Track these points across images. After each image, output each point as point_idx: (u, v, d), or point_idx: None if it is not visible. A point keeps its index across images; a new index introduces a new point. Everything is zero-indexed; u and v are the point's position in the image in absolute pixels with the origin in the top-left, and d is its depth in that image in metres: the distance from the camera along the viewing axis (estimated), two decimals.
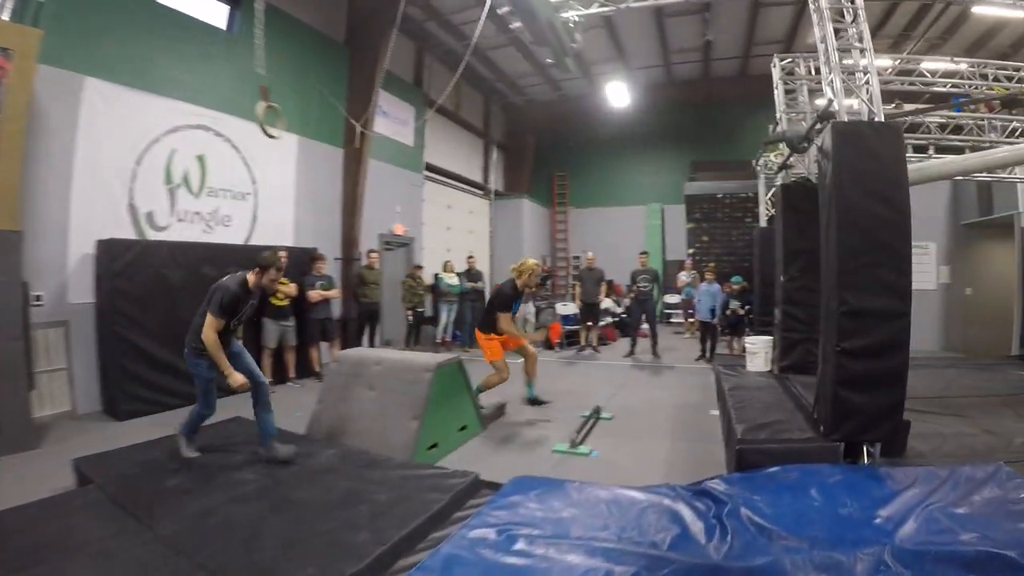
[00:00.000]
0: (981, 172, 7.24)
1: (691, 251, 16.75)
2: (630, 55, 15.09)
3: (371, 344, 10.32)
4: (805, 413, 5.24)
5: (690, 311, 14.03)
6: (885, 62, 7.99)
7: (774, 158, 8.69)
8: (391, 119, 12.47)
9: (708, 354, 10.78)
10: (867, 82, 4.59)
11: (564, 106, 18.09)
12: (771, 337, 7.62)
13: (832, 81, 4.62)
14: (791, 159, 7.18)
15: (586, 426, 6.20)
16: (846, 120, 4.57)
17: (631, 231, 17.76)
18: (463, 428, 5.88)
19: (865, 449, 4.44)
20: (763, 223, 11.22)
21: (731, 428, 5.02)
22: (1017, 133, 7.60)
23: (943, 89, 8.20)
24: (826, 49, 4.67)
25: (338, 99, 10.60)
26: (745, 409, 5.46)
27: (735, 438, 4.63)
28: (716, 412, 7.06)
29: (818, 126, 5.15)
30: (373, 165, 11.25)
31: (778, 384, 6.65)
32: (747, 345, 7.82)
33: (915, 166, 5.48)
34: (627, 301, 14.34)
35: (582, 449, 5.60)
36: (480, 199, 17.17)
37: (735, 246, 16.23)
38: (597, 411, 6.67)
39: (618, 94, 14.81)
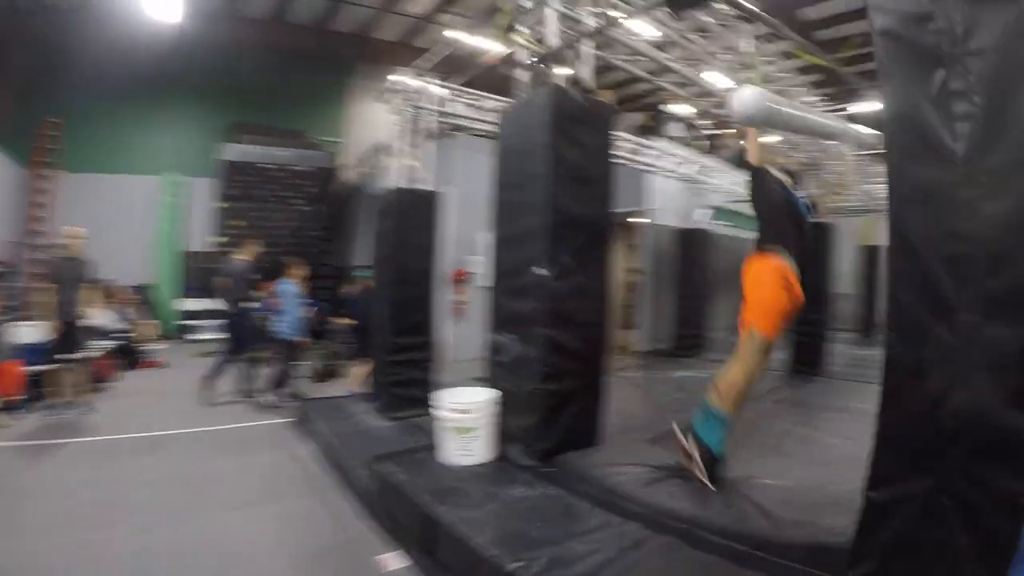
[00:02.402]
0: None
1: (222, 239, 11.74)
2: None
3: None
4: None
5: None
6: None
7: (523, 42, 4.61)
8: None
9: (287, 392, 6.64)
10: None
11: (75, 22, 11.52)
12: (494, 391, 3.90)
13: None
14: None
15: None
16: None
17: (141, 209, 12.69)
18: None
19: None
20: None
21: None
22: None
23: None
24: None
25: None
26: None
27: None
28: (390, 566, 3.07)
29: None
30: None
31: (563, 505, 3.05)
32: (447, 412, 3.77)
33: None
34: (133, 312, 9.75)
35: None
36: None
37: (279, 234, 11.94)
38: None
39: (164, 5, 9.28)
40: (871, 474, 2.30)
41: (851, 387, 6.99)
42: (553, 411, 3.53)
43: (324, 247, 12.38)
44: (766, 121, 3.18)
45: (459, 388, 3.94)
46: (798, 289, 3.03)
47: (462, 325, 9.31)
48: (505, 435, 3.71)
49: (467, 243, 9.31)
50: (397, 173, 5.77)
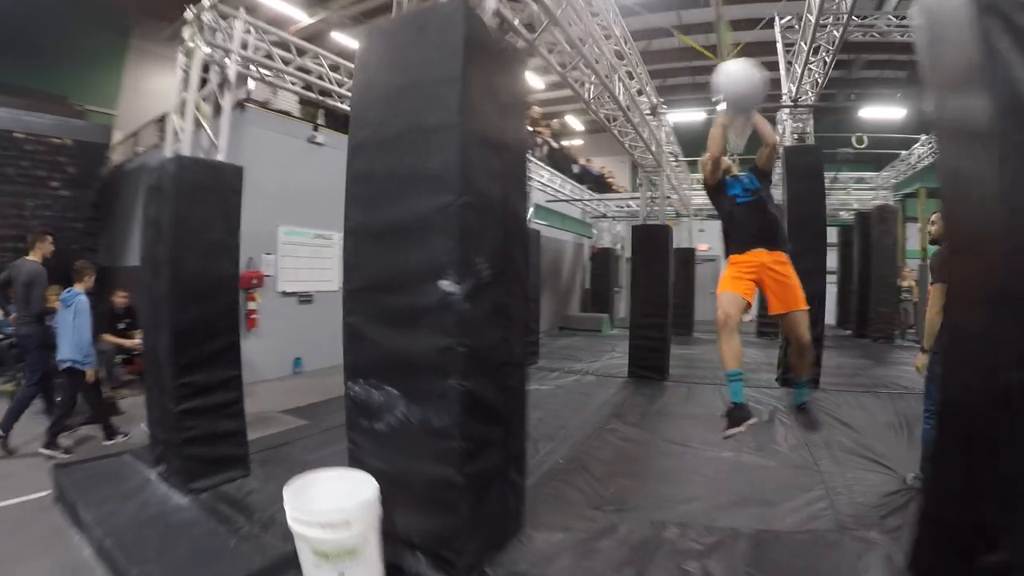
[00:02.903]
0: None
1: None
2: None
3: None
4: None
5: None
6: None
7: None
8: None
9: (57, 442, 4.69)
10: None
11: None
12: (369, 481, 2.47)
13: None
14: None
15: None
16: None
17: None
18: None
19: None
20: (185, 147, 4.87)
21: None
22: None
23: None
24: None
25: None
26: None
27: None
28: None
29: None
30: None
31: None
32: (312, 530, 2.21)
33: None
34: None
35: None
36: None
37: (30, 224, 8.51)
38: None
39: None
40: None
41: (694, 391, 7.03)
42: (475, 503, 2.32)
43: (88, 242, 9.47)
44: (752, 106, 2.72)
45: (313, 477, 2.48)
46: (741, 256, 3.12)
47: (255, 340, 7.47)
48: (392, 537, 2.39)
49: (259, 239, 7.51)
50: (180, 139, 3.93)
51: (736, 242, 3.20)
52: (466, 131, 2.26)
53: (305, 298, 8.31)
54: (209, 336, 3.79)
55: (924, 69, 2.41)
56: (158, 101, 9.57)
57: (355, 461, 2.52)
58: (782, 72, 7.32)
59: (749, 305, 3.08)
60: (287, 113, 8.24)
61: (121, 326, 5.41)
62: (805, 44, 5.96)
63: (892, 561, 2.60)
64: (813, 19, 5.42)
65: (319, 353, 8.44)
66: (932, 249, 4.07)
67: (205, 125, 3.83)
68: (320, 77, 5.11)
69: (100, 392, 5.05)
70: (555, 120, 16.49)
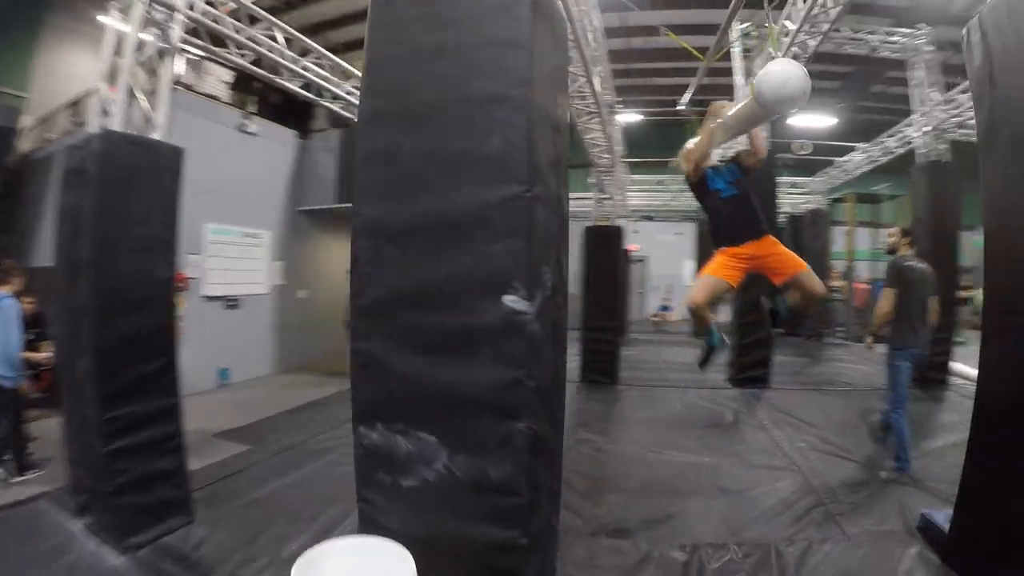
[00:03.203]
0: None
1: None
2: None
3: None
4: None
5: None
6: None
7: None
8: None
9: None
10: None
11: None
12: (397, 551, 1.77)
13: None
14: None
15: None
16: None
17: None
18: None
19: None
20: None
21: None
22: None
23: None
24: None
25: None
26: None
27: None
28: None
29: None
30: None
31: None
32: None
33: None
34: None
35: None
36: None
37: None
38: None
39: None
40: None
41: (648, 394, 6.92)
42: (537, 565, 1.87)
43: None
44: (784, 113, 2.74)
45: (323, 549, 1.85)
46: (735, 248, 3.21)
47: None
48: None
49: (184, 237, 6.57)
50: (109, 112, 3.12)
51: (726, 237, 3.26)
52: (533, 106, 1.80)
53: (232, 302, 7.42)
54: (142, 357, 3.09)
55: (976, 82, 2.44)
56: (74, 84, 8.26)
57: (370, 524, 1.98)
58: (738, 78, 7.26)
59: (731, 288, 3.31)
60: (215, 98, 7.30)
61: (29, 337, 4.51)
62: (778, 53, 5.87)
63: (925, 558, 2.72)
64: (793, 27, 5.28)
65: (247, 363, 7.60)
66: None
67: (141, 96, 3.08)
68: (270, 51, 4.40)
69: (22, 415, 4.20)
70: None
